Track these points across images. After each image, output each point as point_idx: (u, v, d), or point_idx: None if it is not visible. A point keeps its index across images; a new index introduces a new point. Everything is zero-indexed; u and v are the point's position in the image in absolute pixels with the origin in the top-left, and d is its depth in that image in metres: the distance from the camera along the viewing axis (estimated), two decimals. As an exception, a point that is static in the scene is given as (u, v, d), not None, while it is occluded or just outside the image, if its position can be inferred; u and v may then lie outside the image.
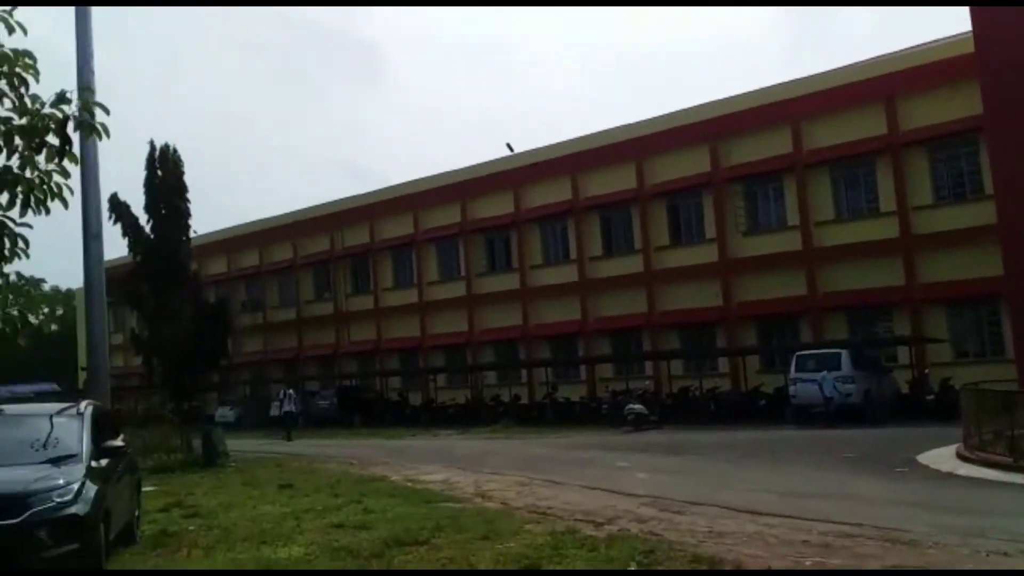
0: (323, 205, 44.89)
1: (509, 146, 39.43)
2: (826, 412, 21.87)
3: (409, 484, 13.13)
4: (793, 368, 23.53)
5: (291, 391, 30.24)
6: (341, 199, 44.24)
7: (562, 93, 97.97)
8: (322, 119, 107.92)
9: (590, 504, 10.31)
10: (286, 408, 28.65)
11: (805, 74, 30.49)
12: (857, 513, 8.92)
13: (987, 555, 6.96)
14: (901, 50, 28.59)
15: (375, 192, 42.89)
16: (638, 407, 24.17)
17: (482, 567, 7.10)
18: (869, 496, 10.51)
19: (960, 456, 13.39)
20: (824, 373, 22.43)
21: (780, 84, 30.23)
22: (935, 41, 27.23)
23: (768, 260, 29.73)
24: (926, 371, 25.00)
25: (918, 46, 28.05)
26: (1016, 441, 12.40)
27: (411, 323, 40.53)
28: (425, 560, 7.41)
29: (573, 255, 35.76)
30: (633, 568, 6.89)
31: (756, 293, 30.13)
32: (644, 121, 33.54)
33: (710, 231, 31.86)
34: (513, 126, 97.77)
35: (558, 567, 6.99)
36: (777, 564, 6.85)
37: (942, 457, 13.66)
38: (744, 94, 31.19)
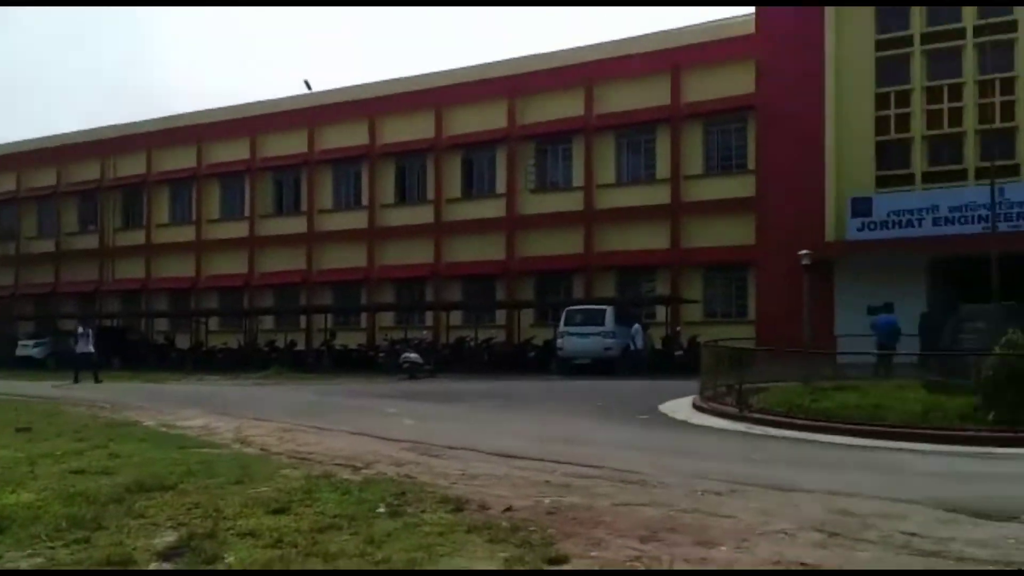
0: (94, 130, 41.19)
1: (307, 83, 38.12)
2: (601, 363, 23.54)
3: (164, 429, 12.56)
4: (562, 322, 24.84)
5: (89, 329, 27.42)
6: (115, 125, 40.79)
7: (370, 33, 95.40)
8: (103, 36, 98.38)
9: (352, 449, 10.38)
10: (82, 349, 25.42)
11: (601, 39, 31.77)
12: (598, 456, 9.64)
13: (702, 493, 7.73)
14: (689, 25, 30.30)
15: (155, 120, 39.94)
16: (413, 356, 24.56)
17: (229, 512, 6.98)
18: (612, 441, 11.42)
19: (695, 406, 14.78)
20: (636, 326, 24.20)
21: (577, 47, 31.22)
22: (721, 19, 29.05)
23: (552, 218, 30.96)
24: (678, 329, 27.27)
25: (706, 22, 29.77)
26: (743, 393, 13.88)
27: (186, 262, 38.52)
28: (170, 505, 7.16)
29: (364, 201, 35.31)
30: (382, 510, 7.06)
31: (538, 249, 31.32)
32: (445, 71, 33.54)
33: (501, 186, 32.58)
34: (314, 63, 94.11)
35: (307, 508, 7.02)
36: (519, 503, 7.25)
37: (680, 407, 15.00)
38: (543, 54, 31.97)
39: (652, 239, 29.05)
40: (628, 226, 29.50)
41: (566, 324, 24.62)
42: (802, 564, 5.26)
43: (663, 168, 29.62)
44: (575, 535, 5.97)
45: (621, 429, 12.77)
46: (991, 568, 4.76)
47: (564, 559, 5.26)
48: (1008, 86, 23.16)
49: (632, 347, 24.49)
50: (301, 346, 34.02)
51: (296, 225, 36.49)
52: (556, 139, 31.82)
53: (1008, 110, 23.06)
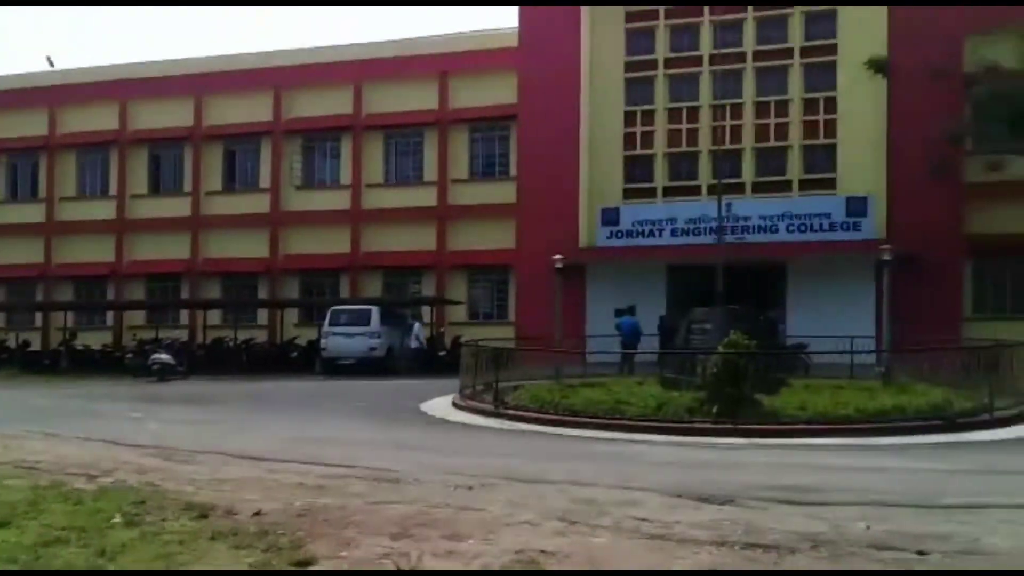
0: None
1: (49, 60, 34.75)
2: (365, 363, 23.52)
3: None
4: (327, 322, 24.53)
5: None
6: None
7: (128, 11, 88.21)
8: None
9: (89, 457, 9.67)
10: None
11: (373, 39, 31.59)
12: (355, 456, 9.67)
13: (455, 488, 7.98)
14: (458, 33, 30.85)
15: None
16: (164, 357, 23.15)
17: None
18: (370, 441, 11.53)
19: (455, 404, 15.24)
20: (416, 324, 24.90)
21: (348, 45, 30.88)
22: (489, 30, 29.80)
23: (318, 216, 30.40)
24: (442, 329, 27.80)
25: (474, 32, 30.46)
26: (500, 391, 14.48)
27: None
28: None
29: (113, 191, 32.75)
30: (117, 520, 6.67)
31: (303, 247, 30.63)
32: (207, 58, 31.86)
33: (265, 181, 31.51)
34: (61, 41, 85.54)
35: (32, 521, 6.47)
36: (269, 507, 7.12)
37: (440, 406, 15.39)
38: (312, 48, 31.33)
39: (419, 240, 29.38)
40: (395, 227, 29.63)
41: (331, 324, 24.33)
42: (542, 551, 5.60)
43: (431, 171, 30.03)
44: (325, 536, 5.98)
45: (381, 429, 12.89)
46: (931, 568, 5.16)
47: (311, 561, 5.26)
48: (737, 111, 25.83)
49: (415, 344, 24.74)
50: (37, 346, 30.90)
51: (32, 214, 33.12)
52: (324, 136, 31.30)
53: (737, 133, 25.73)
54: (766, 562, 5.38)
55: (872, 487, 8.06)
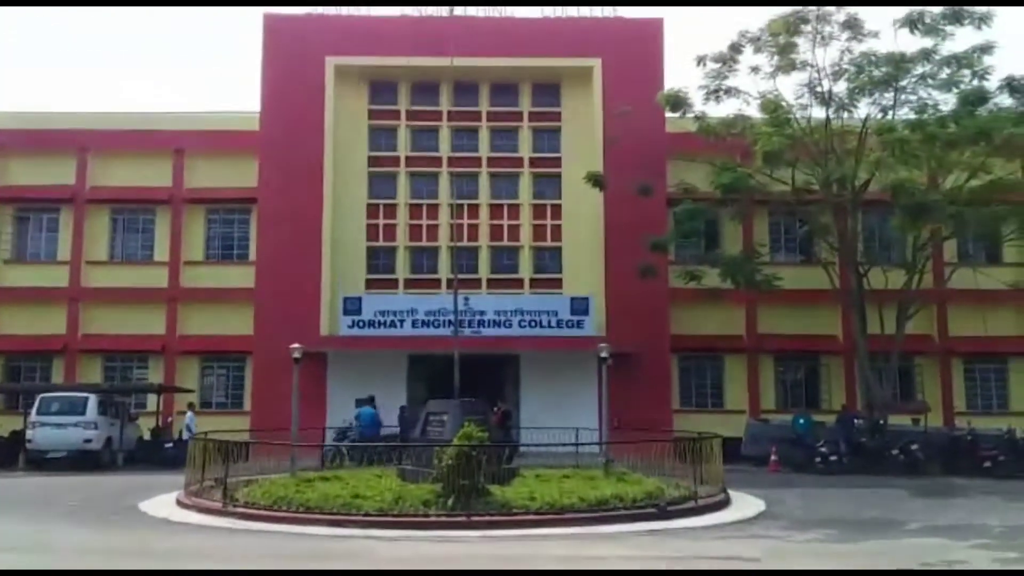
0: None
1: None
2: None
3: None
4: (35, 411, 22.04)
5: None
6: None
7: None
8: None
9: None
10: None
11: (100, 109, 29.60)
12: (52, 564, 8.80)
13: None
14: (196, 112, 29.51)
15: None
16: None
17: None
18: (74, 546, 10.50)
19: (179, 503, 14.25)
20: (189, 414, 22.67)
21: (72, 112, 28.76)
22: (227, 112, 28.95)
23: (31, 294, 27.62)
24: (169, 419, 25.96)
25: (213, 112, 29.26)
26: (229, 487, 13.79)
27: None
28: None
29: None
30: None
31: (11, 328, 27.56)
32: None
33: (-36, 254, 28.16)
34: None
35: None
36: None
37: (163, 504, 14.32)
38: (35, 113, 28.82)
39: (147, 324, 27.44)
40: (120, 308, 27.53)
41: (39, 413, 21.82)
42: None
43: (162, 251, 28.42)
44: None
45: (86, 531, 11.75)
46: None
47: None
48: (474, 211, 27.30)
49: (187, 435, 22.04)
50: None
51: None
52: (41, 207, 28.68)
53: (473, 231, 27.14)
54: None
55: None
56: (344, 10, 27.58)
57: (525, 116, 28.01)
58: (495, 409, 21.04)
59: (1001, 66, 22.76)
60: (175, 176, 28.39)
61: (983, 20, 22.40)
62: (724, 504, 14.54)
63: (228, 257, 28.58)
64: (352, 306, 25.73)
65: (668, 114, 25.47)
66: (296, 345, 18.72)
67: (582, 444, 18.00)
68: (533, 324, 25.38)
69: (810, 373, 27.55)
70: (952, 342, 26.78)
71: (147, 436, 24.83)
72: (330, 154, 26.76)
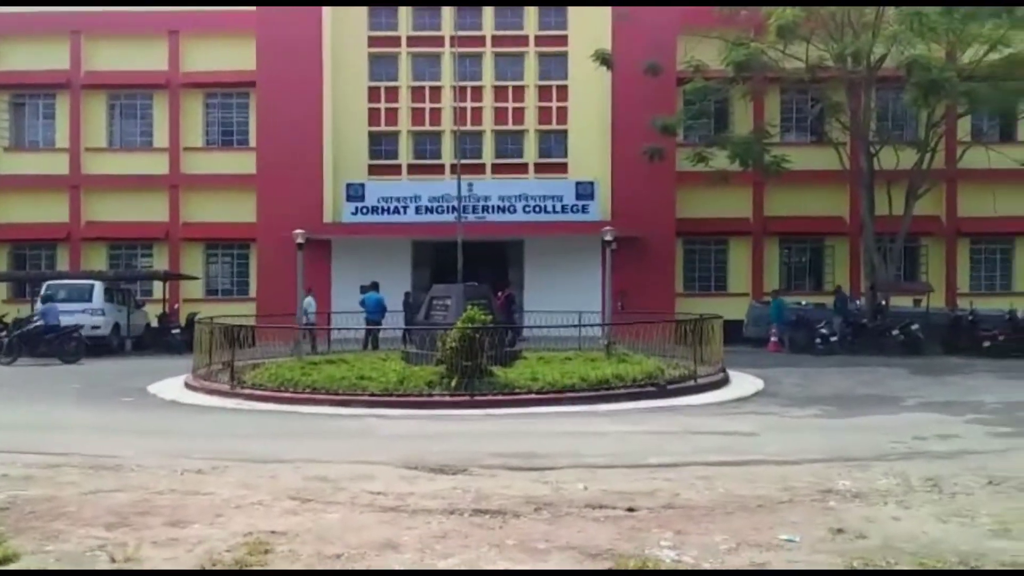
0: None
1: None
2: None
3: None
4: (42, 298, 22.23)
5: None
6: None
7: None
8: None
9: None
10: None
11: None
12: (70, 443, 9.03)
13: (182, 473, 7.70)
14: None
15: None
16: None
17: None
18: (89, 425, 10.77)
19: (187, 385, 14.53)
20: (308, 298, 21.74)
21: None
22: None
23: (32, 181, 27.44)
24: (176, 306, 26.22)
25: None
26: (236, 370, 14.03)
27: None
28: None
29: None
30: None
31: (15, 215, 27.52)
32: None
33: (-31, 140, 27.86)
34: None
35: None
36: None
37: (171, 387, 14.61)
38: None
39: (149, 211, 27.38)
40: (122, 196, 27.41)
41: (46, 300, 22.04)
42: (273, 531, 5.61)
43: (161, 137, 28.03)
44: (30, 530, 5.61)
45: (102, 412, 12.04)
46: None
47: (12, 558, 4.92)
48: (477, 94, 26.63)
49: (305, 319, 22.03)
50: None
51: None
52: (37, 92, 28.14)
53: (477, 115, 26.54)
54: (493, 526, 5.78)
55: (591, 451, 8.85)
56: None
57: (532, -7, 26.94)
58: (499, 293, 21.13)
59: (1028, -68, 21.53)
60: (171, 60, 27.68)
61: None
62: (723, 383, 14.75)
63: (228, 143, 28.17)
64: (355, 192, 25.49)
65: (679, -13, 24.44)
66: (299, 231, 18.68)
67: (585, 326, 18.10)
68: (538, 209, 25.15)
69: (815, 255, 27.40)
70: (960, 222, 26.44)
71: (154, 323, 25.12)
72: (329, 34, 25.94)
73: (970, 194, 26.05)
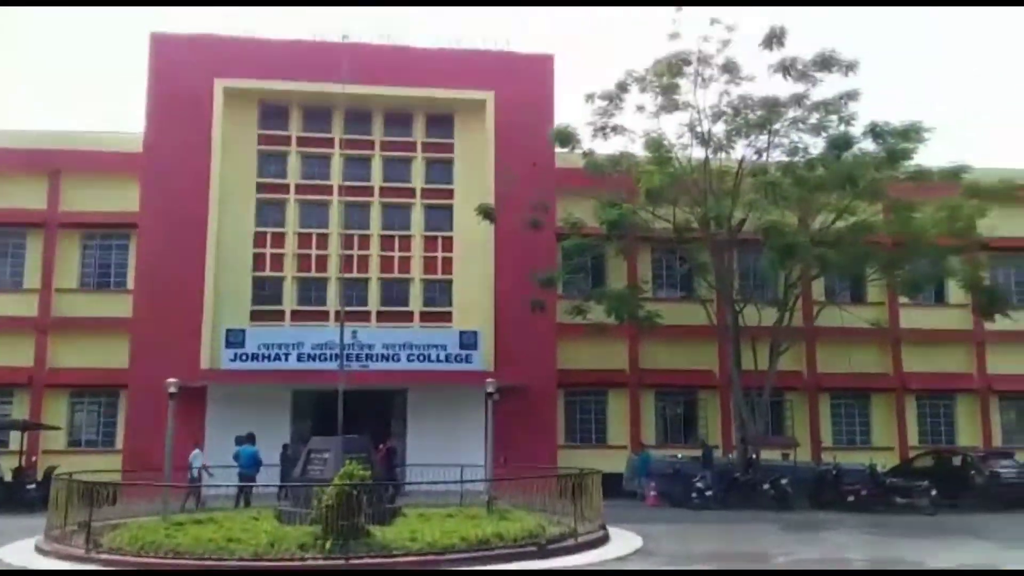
0: None
1: None
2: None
3: None
4: None
5: None
6: None
7: None
8: None
9: None
10: None
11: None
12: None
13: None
14: (75, 131, 28.01)
15: None
16: None
17: None
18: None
19: (39, 549, 13.49)
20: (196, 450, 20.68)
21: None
22: (110, 132, 27.74)
23: None
24: (34, 459, 24.47)
25: (94, 132, 27.89)
26: (93, 532, 13.13)
27: None
28: None
29: None
30: None
31: None
32: None
33: None
34: None
35: None
36: None
37: (21, 550, 13.54)
38: None
39: (11, 355, 25.85)
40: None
41: None
42: None
43: (32, 278, 26.88)
44: None
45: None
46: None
47: None
48: (365, 242, 27.12)
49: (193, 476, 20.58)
50: None
51: None
52: None
53: (364, 263, 26.92)
54: None
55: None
56: (236, 32, 27.11)
57: (419, 146, 28.13)
58: (380, 446, 20.83)
59: (865, 112, 24.30)
60: (50, 198, 26.98)
61: (849, 68, 23.86)
62: (603, 541, 14.83)
63: (105, 285, 27.24)
64: (235, 338, 25.06)
65: (557, 149, 26.06)
66: (172, 380, 18.09)
67: (467, 481, 17.99)
68: (422, 358, 25.33)
69: (689, 408, 28.33)
70: (820, 378, 28.06)
71: (8, 477, 23.29)
72: (216, 179, 26.15)
73: (827, 351, 27.88)
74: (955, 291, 27.52)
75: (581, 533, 14.55)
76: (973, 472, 22.62)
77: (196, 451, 20.76)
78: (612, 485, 23.80)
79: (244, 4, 58.89)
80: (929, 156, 24.22)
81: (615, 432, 27.36)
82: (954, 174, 23.97)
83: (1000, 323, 25.61)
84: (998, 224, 24.77)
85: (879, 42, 78.12)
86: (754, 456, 23.44)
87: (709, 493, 21.45)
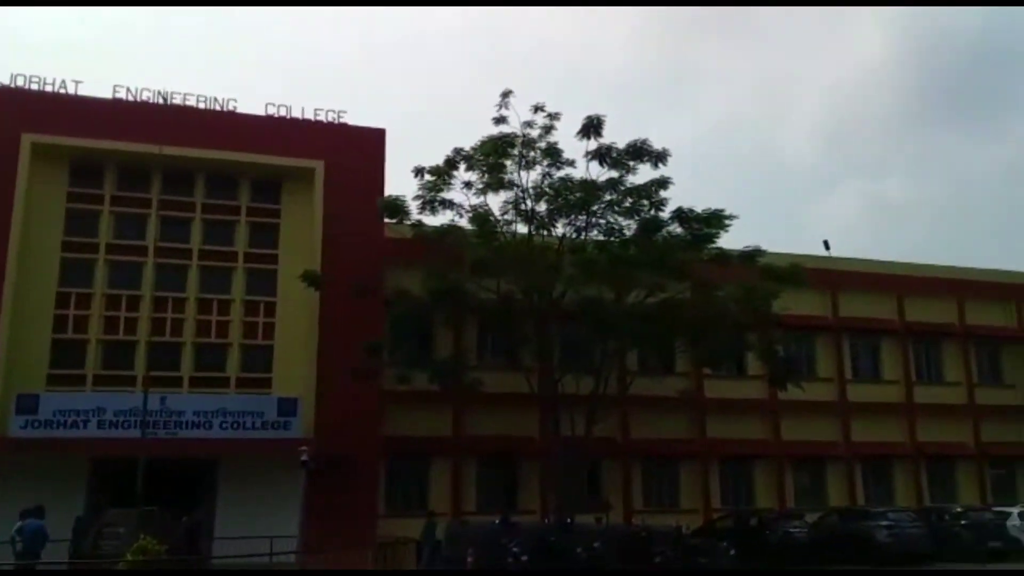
0: None
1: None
2: None
3: None
4: None
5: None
6: None
7: None
8: None
9: None
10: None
11: None
12: None
13: None
14: None
15: None
16: None
17: None
18: None
19: None
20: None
21: None
22: None
23: None
24: None
25: None
26: None
27: None
28: None
29: None
30: None
31: None
32: None
33: None
34: None
35: None
36: None
37: None
38: None
39: None
40: None
41: None
42: None
43: None
44: None
45: None
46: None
47: None
48: (180, 305, 26.02)
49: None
50: None
51: None
52: None
53: (178, 327, 25.79)
54: None
55: None
56: (47, 87, 25.80)
57: (243, 211, 27.53)
58: (182, 519, 19.74)
59: (674, 199, 26.21)
60: None
61: (659, 158, 25.75)
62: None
63: None
64: (27, 404, 23.10)
65: (387, 220, 26.35)
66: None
67: (277, 554, 17.37)
68: (236, 425, 24.28)
69: (510, 473, 28.69)
70: (633, 444, 29.23)
71: None
72: (17, 236, 24.45)
73: (640, 418, 29.16)
74: (753, 363, 29.64)
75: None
76: (768, 532, 24.28)
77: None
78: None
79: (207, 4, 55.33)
80: (732, 239, 26.45)
81: (438, 499, 27.19)
82: (750, 257, 26.22)
83: (793, 393, 27.79)
84: (790, 304, 27.03)
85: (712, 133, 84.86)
86: (569, 520, 23.98)
87: (524, 558, 21.68)
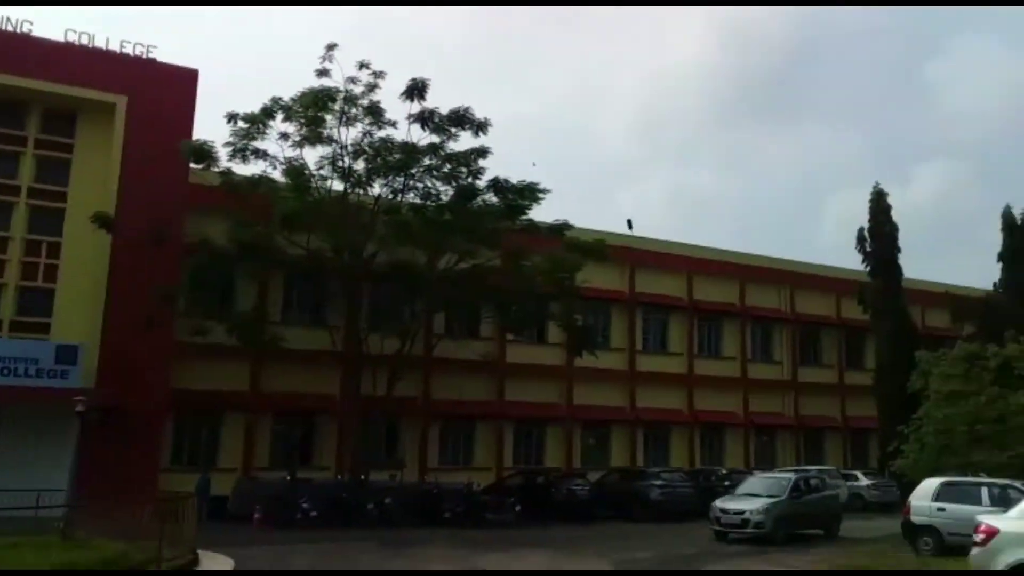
0: None
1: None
2: None
3: None
4: None
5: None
6: None
7: None
8: None
9: None
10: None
11: None
12: None
13: None
14: None
15: None
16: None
17: None
18: None
19: None
20: None
21: None
22: None
23: None
24: None
25: None
26: None
27: None
28: None
29: None
30: None
31: None
32: None
33: None
34: None
35: None
36: None
37: None
38: None
39: None
40: None
41: None
42: None
43: None
44: None
45: None
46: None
47: None
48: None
49: None
50: None
51: None
52: None
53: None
54: None
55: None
56: None
57: (30, 142, 25.43)
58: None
59: (492, 168, 26.70)
60: None
61: (480, 128, 26.06)
62: (192, 565, 14.52)
63: None
64: None
65: (192, 165, 25.18)
66: None
67: (41, 508, 16.44)
68: (7, 372, 22.50)
69: (307, 430, 28.40)
70: (433, 404, 29.77)
71: None
72: None
73: (442, 381, 29.75)
74: (553, 331, 30.96)
75: (167, 559, 14.06)
76: (553, 490, 25.77)
77: None
78: (222, 509, 23.40)
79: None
80: (544, 212, 27.39)
81: (228, 455, 26.58)
82: (559, 230, 27.27)
83: (587, 360, 29.32)
84: (591, 277, 28.40)
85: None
86: (363, 477, 24.26)
87: (314, 514, 21.78)
